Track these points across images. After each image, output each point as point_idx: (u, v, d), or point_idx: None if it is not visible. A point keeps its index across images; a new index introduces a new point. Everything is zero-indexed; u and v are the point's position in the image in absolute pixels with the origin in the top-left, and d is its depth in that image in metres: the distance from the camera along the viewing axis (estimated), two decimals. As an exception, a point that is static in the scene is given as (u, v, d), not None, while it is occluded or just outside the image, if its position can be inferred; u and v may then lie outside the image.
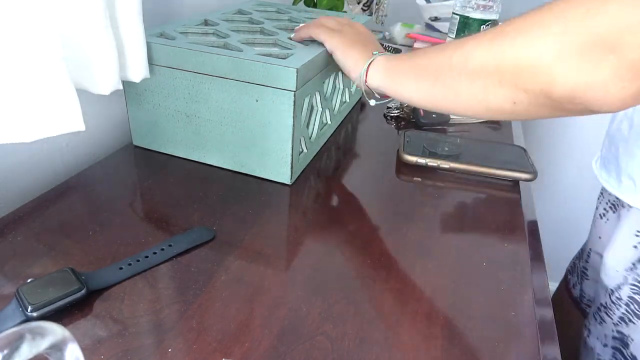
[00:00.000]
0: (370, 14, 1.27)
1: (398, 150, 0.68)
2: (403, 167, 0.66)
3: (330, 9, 1.02)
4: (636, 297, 0.59)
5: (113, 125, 0.67)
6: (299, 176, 0.61)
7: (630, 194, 0.60)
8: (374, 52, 0.55)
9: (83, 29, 0.47)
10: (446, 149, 0.68)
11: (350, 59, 0.56)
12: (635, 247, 0.60)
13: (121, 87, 0.53)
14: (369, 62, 0.53)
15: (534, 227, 0.56)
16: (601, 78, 0.33)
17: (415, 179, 0.63)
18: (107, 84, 0.51)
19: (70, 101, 0.45)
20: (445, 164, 0.64)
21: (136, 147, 0.65)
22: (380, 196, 0.59)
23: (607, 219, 0.70)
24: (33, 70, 0.41)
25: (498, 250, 0.51)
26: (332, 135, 0.73)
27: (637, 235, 0.60)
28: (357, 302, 0.42)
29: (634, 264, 0.59)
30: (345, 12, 1.16)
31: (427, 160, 0.64)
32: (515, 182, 0.64)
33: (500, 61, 0.38)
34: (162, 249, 0.46)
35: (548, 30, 0.34)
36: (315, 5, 1.03)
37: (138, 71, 0.55)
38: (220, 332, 0.38)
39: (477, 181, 0.64)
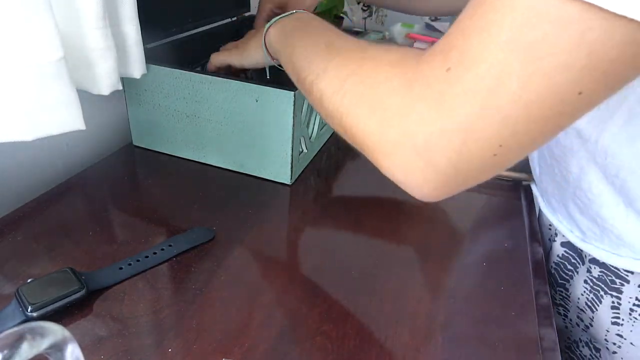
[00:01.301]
0: (370, 14, 1.27)
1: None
2: (403, 167, 0.65)
3: (330, 9, 1.02)
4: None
5: (113, 125, 0.67)
6: (299, 176, 0.61)
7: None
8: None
9: (83, 29, 0.47)
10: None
11: (250, 45, 0.56)
12: None
13: (121, 87, 0.53)
14: (269, 26, 0.51)
15: (534, 228, 0.56)
16: (413, 179, 0.32)
17: (415, 179, 0.63)
18: (106, 84, 0.51)
19: (71, 100, 0.45)
20: (445, 164, 0.64)
21: (136, 147, 0.65)
22: (381, 196, 0.59)
23: None
24: (33, 69, 0.41)
25: (498, 250, 0.51)
26: (332, 135, 0.73)
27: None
28: (357, 302, 0.42)
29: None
30: (345, 12, 1.16)
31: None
32: (516, 183, 0.64)
33: (340, 121, 0.36)
34: (162, 249, 0.46)
35: (371, 114, 0.33)
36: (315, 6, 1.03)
37: (137, 67, 0.55)
38: (220, 332, 0.38)
39: (477, 181, 0.64)
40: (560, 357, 0.39)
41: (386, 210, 0.56)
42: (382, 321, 0.40)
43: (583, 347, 0.54)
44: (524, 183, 0.64)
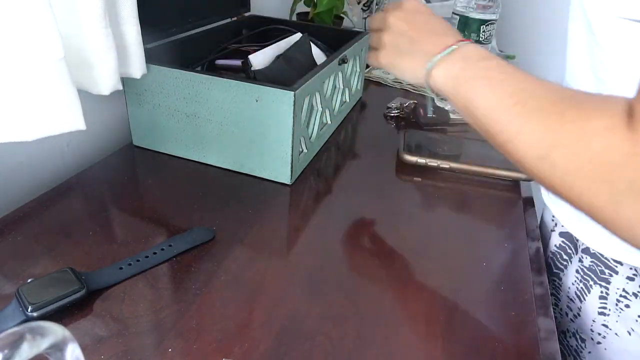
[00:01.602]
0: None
1: (398, 150, 0.68)
2: (403, 167, 0.66)
3: (330, 9, 1.02)
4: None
5: (113, 125, 0.67)
6: (299, 176, 0.61)
7: None
8: (428, 63, 0.44)
9: (83, 29, 0.47)
10: (446, 148, 0.68)
11: (407, 72, 0.48)
12: None
13: (121, 88, 0.53)
14: (428, 69, 0.44)
15: (533, 227, 0.56)
16: None
17: (415, 179, 0.63)
18: (106, 84, 0.51)
19: (71, 100, 0.45)
20: (445, 164, 0.64)
21: (136, 147, 0.65)
22: (380, 196, 0.59)
23: None
24: (34, 69, 0.41)
25: (498, 250, 0.51)
26: (332, 135, 0.73)
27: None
28: (357, 302, 0.42)
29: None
30: (345, 12, 1.16)
31: (427, 160, 0.64)
32: (516, 182, 0.64)
33: (553, 188, 0.33)
34: (162, 249, 0.46)
35: (597, 189, 0.30)
36: (315, 6, 1.03)
37: (138, 67, 0.55)
38: (220, 332, 0.38)
39: (477, 181, 0.64)
40: (558, 347, 0.39)
41: (386, 210, 0.56)
42: (382, 321, 0.40)
43: (570, 337, 0.55)
44: (524, 182, 0.64)
